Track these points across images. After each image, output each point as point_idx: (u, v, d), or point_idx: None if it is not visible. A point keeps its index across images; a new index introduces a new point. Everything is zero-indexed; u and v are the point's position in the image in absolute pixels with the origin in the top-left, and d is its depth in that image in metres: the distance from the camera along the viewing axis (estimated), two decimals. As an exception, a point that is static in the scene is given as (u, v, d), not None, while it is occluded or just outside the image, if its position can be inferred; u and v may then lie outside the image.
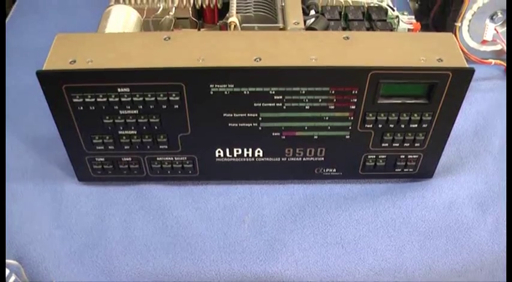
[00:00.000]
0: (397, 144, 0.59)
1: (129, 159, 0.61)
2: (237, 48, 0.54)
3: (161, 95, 0.53)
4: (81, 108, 0.54)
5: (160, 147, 0.59)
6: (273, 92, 0.54)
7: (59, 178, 0.65)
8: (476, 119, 0.73)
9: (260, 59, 0.52)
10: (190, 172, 0.62)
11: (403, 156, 0.61)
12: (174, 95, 0.53)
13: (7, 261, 0.54)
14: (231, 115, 0.56)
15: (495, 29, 0.78)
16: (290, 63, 0.52)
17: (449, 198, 0.63)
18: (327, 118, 0.57)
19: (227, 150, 0.60)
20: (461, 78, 0.53)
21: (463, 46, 0.77)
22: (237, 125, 0.57)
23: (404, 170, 0.63)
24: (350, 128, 0.58)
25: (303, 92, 0.54)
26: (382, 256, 0.58)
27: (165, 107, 0.55)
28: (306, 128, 0.58)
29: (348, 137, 0.58)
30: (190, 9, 0.71)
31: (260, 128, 0.57)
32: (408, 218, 0.61)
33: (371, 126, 0.57)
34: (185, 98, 0.54)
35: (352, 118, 0.56)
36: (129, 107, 0.55)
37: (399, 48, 0.54)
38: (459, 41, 0.77)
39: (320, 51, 0.53)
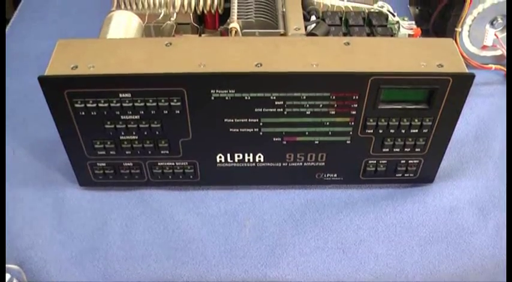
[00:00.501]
0: (398, 149, 0.60)
1: (131, 164, 0.61)
2: (238, 53, 0.54)
3: (162, 101, 0.54)
4: (83, 113, 0.54)
5: (162, 152, 0.59)
6: (274, 98, 0.54)
7: (60, 183, 0.65)
8: (477, 123, 0.73)
9: (261, 65, 0.52)
10: (191, 177, 0.63)
11: (404, 161, 0.61)
12: (175, 100, 0.54)
13: (8, 265, 0.55)
14: (232, 120, 0.56)
15: (495, 35, 0.78)
16: (291, 68, 0.52)
17: (450, 203, 0.63)
18: (327, 123, 0.57)
19: (228, 155, 0.60)
20: (462, 83, 0.53)
21: (463, 51, 0.77)
22: (238, 130, 0.57)
23: (405, 175, 0.63)
24: (351, 133, 0.58)
25: (304, 97, 0.54)
26: (383, 261, 0.58)
27: (166, 112, 0.55)
28: (306, 133, 0.58)
29: (348, 142, 0.59)
30: (191, 14, 0.72)
31: (261, 133, 0.58)
32: (409, 223, 0.61)
33: (372, 131, 0.57)
34: (186, 103, 0.54)
35: (352, 123, 0.57)
36: (130, 112, 0.55)
37: (400, 54, 0.54)
38: (459, 46, 0.77)
39: (321, 57, 0.53)
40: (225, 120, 0.56)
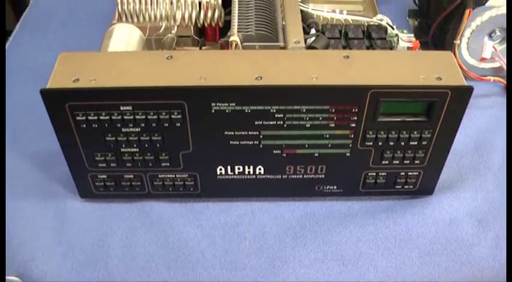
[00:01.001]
0: (397, 162, 0.60)
1: (131, 176, 0.61)
2: (238, 67, 0.54)
3: (163, 113, 0.54)
4: (84, 125, 0.55)
5: (162, 164, 0.59)
6: (274, 111, 0.54)
7: (61, 195, 0.65)
8: (476, 135, 0.73)
9: (261, 78, 0.53)
10: (191, 189, 0.63)
11: (403, 173, 0.61)
12: (176, 113, 0.54)
13: (8, 277, 0.55)
14: (232, 133, 0.56)
15: (493, 47, 0.78)
16: (291, 82, 0.53)
17: (450, 215, 0.63)
18: (327, 136, 0.57)
19: (228, 167, 0.60)
20: (460, 96, 0.53)
21: (462, 63, 0.78)
22: (238, 142, 0.57)
23: (405, 187, 0.63)
24: (350, 145, 0.58)
25: (304, 110, 0.54)
26: (383, 273, 0.58)
27: (167, 125, 0.55)
28: (306, 145, 0.58)
29: (348, 154, 0.59)
30: (192, 27, 0.72)
31: (261, 146, 0.58)
32: (409, 235, 0.61)
33: (371, 143, 0.58)
34: (187, 116, 0.54)
35: (352, 136, 0.57)
36: (131, 125, 0.55)
37: (399, 67, 0.55)
38: (458, 58, 0.78)
39: (320, 70, 0.54)
40: (226, 132, 0.56)
